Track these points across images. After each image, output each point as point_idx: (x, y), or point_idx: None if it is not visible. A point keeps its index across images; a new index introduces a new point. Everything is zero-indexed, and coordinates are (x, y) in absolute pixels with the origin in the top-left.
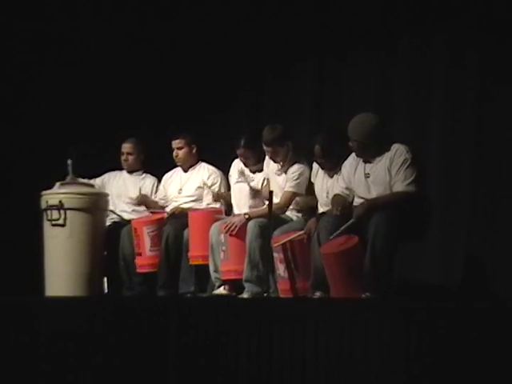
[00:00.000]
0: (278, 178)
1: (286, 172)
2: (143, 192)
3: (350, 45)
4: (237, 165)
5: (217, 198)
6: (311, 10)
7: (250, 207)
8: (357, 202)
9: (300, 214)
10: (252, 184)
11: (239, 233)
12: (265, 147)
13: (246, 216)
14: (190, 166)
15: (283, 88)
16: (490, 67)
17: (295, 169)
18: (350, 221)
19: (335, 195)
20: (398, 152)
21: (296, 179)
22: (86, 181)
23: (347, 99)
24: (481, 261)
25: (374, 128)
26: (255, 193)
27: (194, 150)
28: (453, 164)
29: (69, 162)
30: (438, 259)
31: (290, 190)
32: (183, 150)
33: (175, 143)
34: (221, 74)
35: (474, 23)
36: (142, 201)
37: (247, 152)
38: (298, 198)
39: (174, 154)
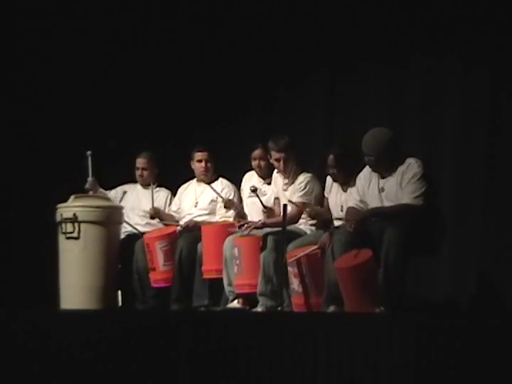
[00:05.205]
0: (285, 194)
1: (292, 184)
2: (157, 205)
3: (362, 58)
4: (248, 178)
5: (227, 204)
6: (324, 23)
7: None
8: None
9: (314, 228)
10: (264, 199)
11: (253, 247)
12: (277, 155)
13: (261, 222)
14: (209, 180)
15: (294, 101)
16: (503, 82)
17: (301, 179)
18: None
19: (349, 208)
20: (410, 166)
21: (303, 189)
22: (103, 191)
23: (358, 112)
24: (493, 277)
25: (389, 143)
26: (268, 210)
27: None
28: (465, 179)
29: (88, 153)
30: (450, 275)
31: (299, 200)
32: (210, 164)
33: (203, 155)
34: (232, 87)
35: (486, 38)
36: (155, 214)
37: (264, 153)
38: (307, 209)
39: (202, 165)
